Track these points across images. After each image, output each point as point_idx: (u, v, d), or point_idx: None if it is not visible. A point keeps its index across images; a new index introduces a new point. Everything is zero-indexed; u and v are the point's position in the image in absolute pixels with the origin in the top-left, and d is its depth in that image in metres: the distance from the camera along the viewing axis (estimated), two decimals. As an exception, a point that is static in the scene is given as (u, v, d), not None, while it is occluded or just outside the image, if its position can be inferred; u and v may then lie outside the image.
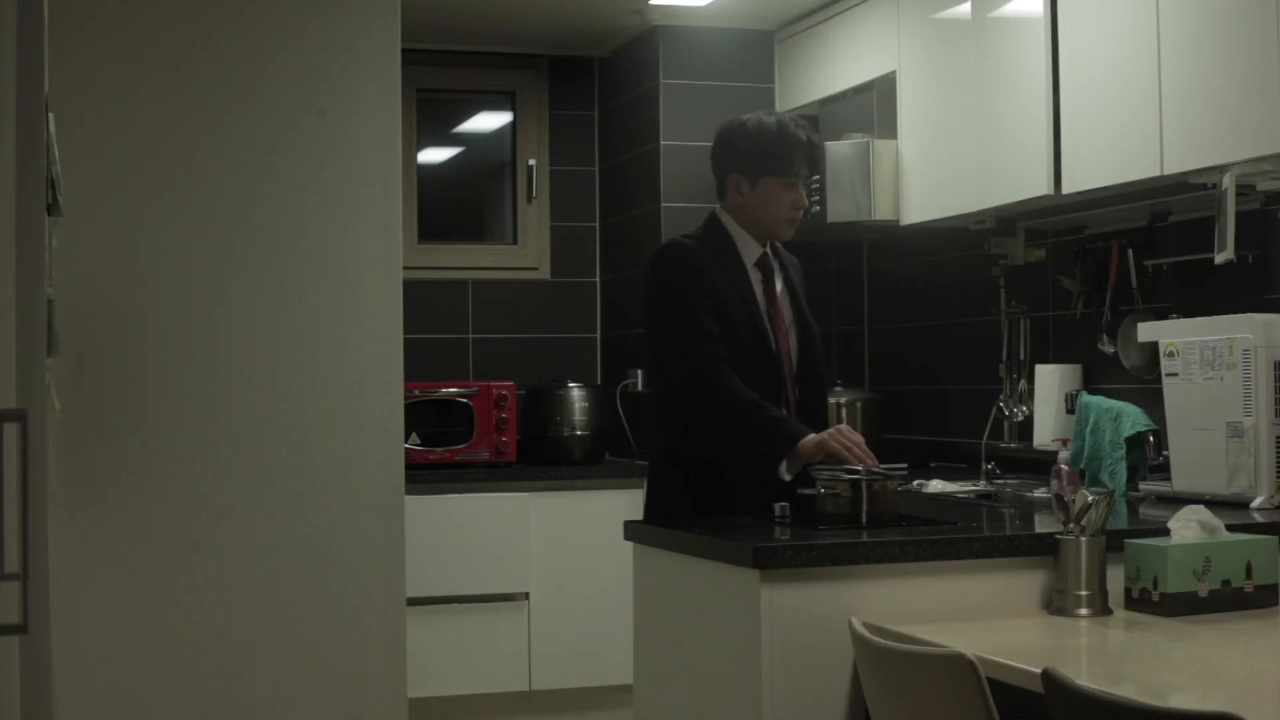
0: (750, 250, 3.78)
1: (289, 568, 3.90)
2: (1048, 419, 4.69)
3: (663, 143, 5.82)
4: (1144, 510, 3.73)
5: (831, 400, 5.44)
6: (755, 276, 3.77)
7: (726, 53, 5.89)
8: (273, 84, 3.97)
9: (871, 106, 5.26)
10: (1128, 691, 2.30)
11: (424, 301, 5.92)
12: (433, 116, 6.38)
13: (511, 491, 5.52)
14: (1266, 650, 2.80)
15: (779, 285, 3.80)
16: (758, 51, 5.91)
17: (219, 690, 3.90)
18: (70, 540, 3.71)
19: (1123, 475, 3.99)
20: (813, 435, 3.54)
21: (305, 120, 3.98)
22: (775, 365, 3.72)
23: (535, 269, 6.28)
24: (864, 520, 3.29)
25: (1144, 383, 4.39)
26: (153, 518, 3.86)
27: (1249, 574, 3.01)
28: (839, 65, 5.47)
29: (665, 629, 3.43)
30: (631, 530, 3.58)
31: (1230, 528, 3.10)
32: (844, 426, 3.60)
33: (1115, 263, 4.52)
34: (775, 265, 3.82)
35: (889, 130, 5.15)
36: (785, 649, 3.00)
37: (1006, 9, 4.51)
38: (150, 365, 3.85)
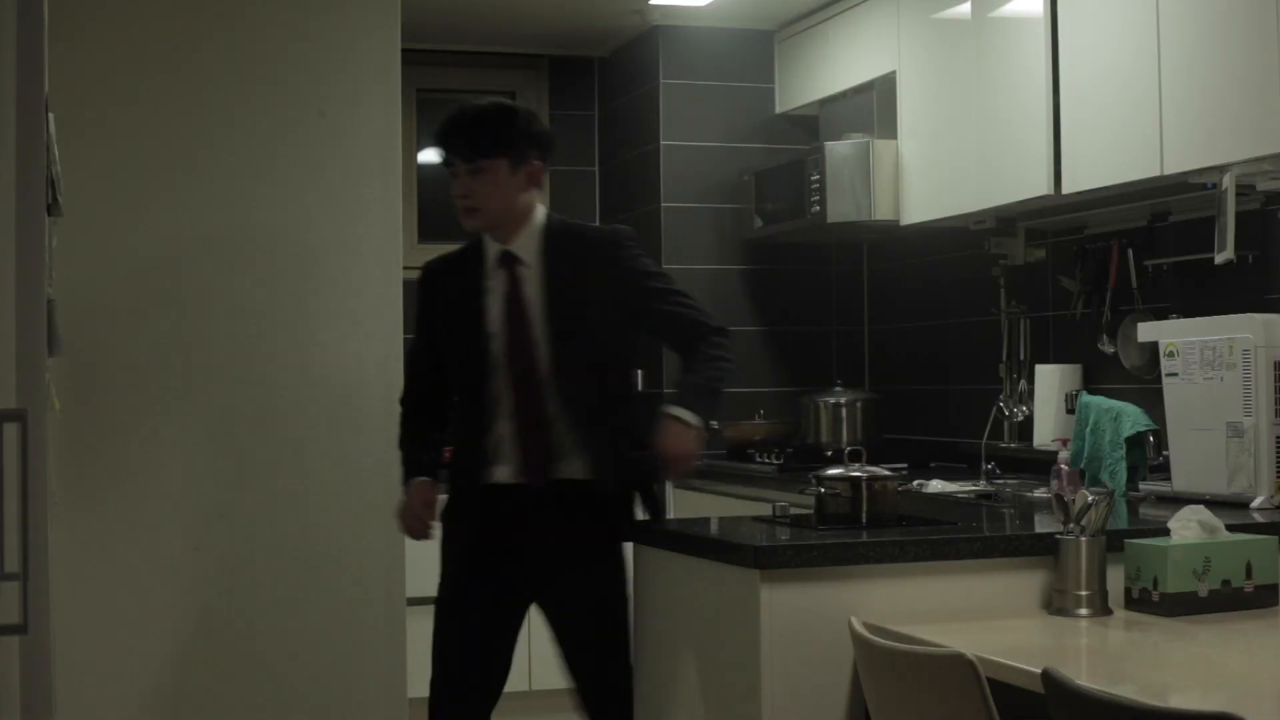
0: (492, 248, 3.49)
1: (289, 568, 3.90)
2: (1048, 419, 4.69)
3: (663, 143, 5.82)
4: (1144, 510, 3.73)
5: (831, 400, 5.44)
6: (499, 276, 3.47)
7: (726, 53, 5.89)
8: (273, 84, 3.97)
9: (871, 106, 5.26)
10: (1128, 691, 2.30)
11: (424, 301, 5.92)
12: (433, 116, 6.37)
13: (511, 491, 5.51)
14: (1266, 650, 2.80)
15: (534, 279, 3.44)
16: (758, 51, 5.91)
17: (219, 690, 3.90)
18: (70, 540, 3.71)
19: (1123, 475, 3.99)
20: (413, 486, 3.52)
21: (305, 120, 3.98)
22: (488, 370, 3.43)
23: (535, 269, 6.28)
24: (864, 520, 3.29)
25: (1144, 383, 4.39)
26: (153, 518, 3.86)
27: (1249, 574, 3.01)
28: (839, 65, 5.47)
29: (665, 629, 3.43)
30: (631, 530, 3.58)
31: (1230, 528, 3.10)
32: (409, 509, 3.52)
33: (1115, 263, 4.52)
34: (533, 258, 3.45)
35: (889, 130, 5.15)
36: (785, 649, 2.99)
37: (1006, 9, 4.51)
38: (150, 365, 3.85)
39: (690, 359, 3.53)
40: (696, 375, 3.51)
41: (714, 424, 3.49)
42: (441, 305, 3.54)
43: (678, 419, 3.40)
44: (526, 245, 3.46)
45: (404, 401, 3.65)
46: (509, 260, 3.46)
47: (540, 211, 3.50)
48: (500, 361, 3.42)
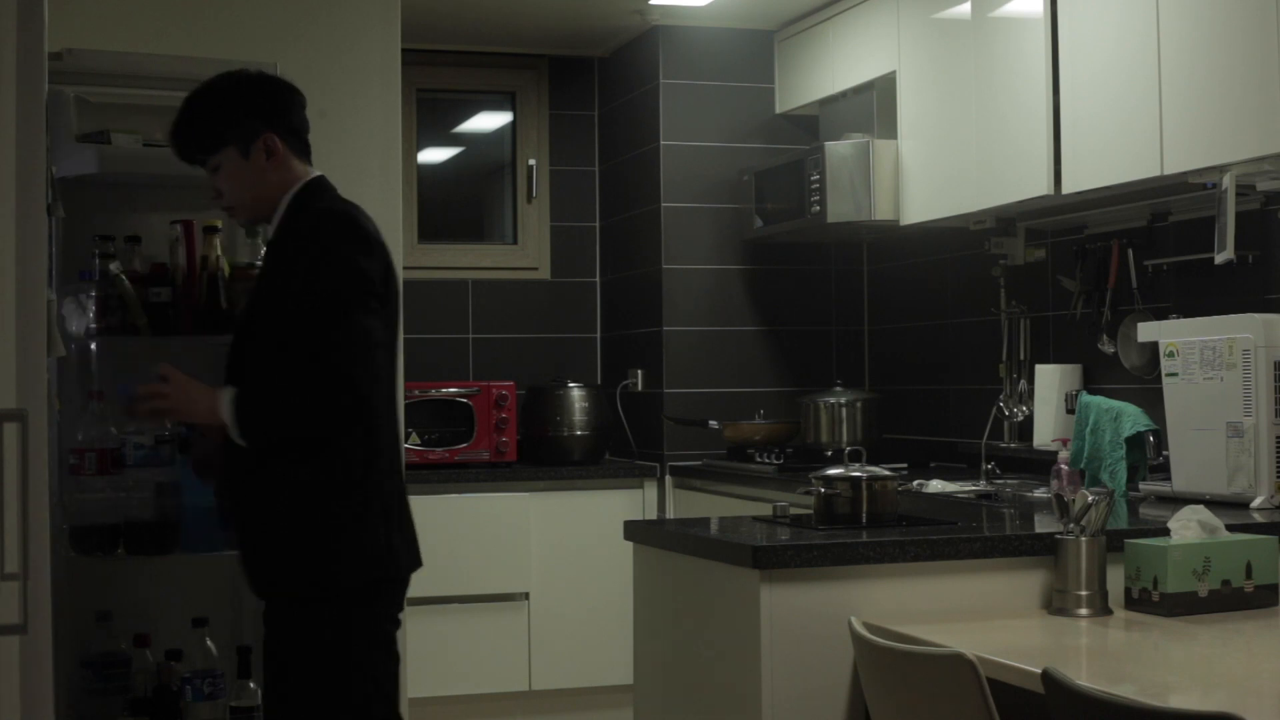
0: None
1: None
2: (1048, 419, 4.69)
3: (663, 143, 5.82)
4: (1144, 510, 3.73)
5: (831, 400, 5.44)
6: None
7: (726, 53, 5.89)
8: (273, 84, 3.95)
9: (871, 106, 5.26)
10: (1128, 691, 2.30)
11: (424, 301, 5.92)
12: (433, 116, 6.38)
13: (511, 491, 5.52)
14: (1266, 650, 2.80)
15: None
16: (758, 51, 5.91)
17: (219, 690, 3.89)
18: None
19: (1123, 475, 3.99)
20: None
21: (305, 120, 3.96)
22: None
23: (535, 269, 6.28)
24: (864, 520, 3.30)
25: (1144, 383, 4.39)
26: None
27: (1249, 574, 3.01)
28: (839, 65, 5.47)
29: (665, 629, 3.43)
30: (631, 530, 3.58)
31: (1230, 528, 3.11)
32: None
33: (1115, 263, 4.52)
34: (268, 248, 3.20)
35: (889, 130, 5.15)
36: (785, 649, 3.00)
37: (1006, 9, 4.51)
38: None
39: (296, 384, 2.95)
40: (273, 396, 2.97)
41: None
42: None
43: (210, 392, 2.98)
44: (274, 224, 3.14)
45: None
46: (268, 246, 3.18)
47: (298, 185, 3.10)
48: None
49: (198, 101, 3.10)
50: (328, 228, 3.02)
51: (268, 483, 3.00)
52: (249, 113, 3.08)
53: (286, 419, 2.97)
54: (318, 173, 3.16)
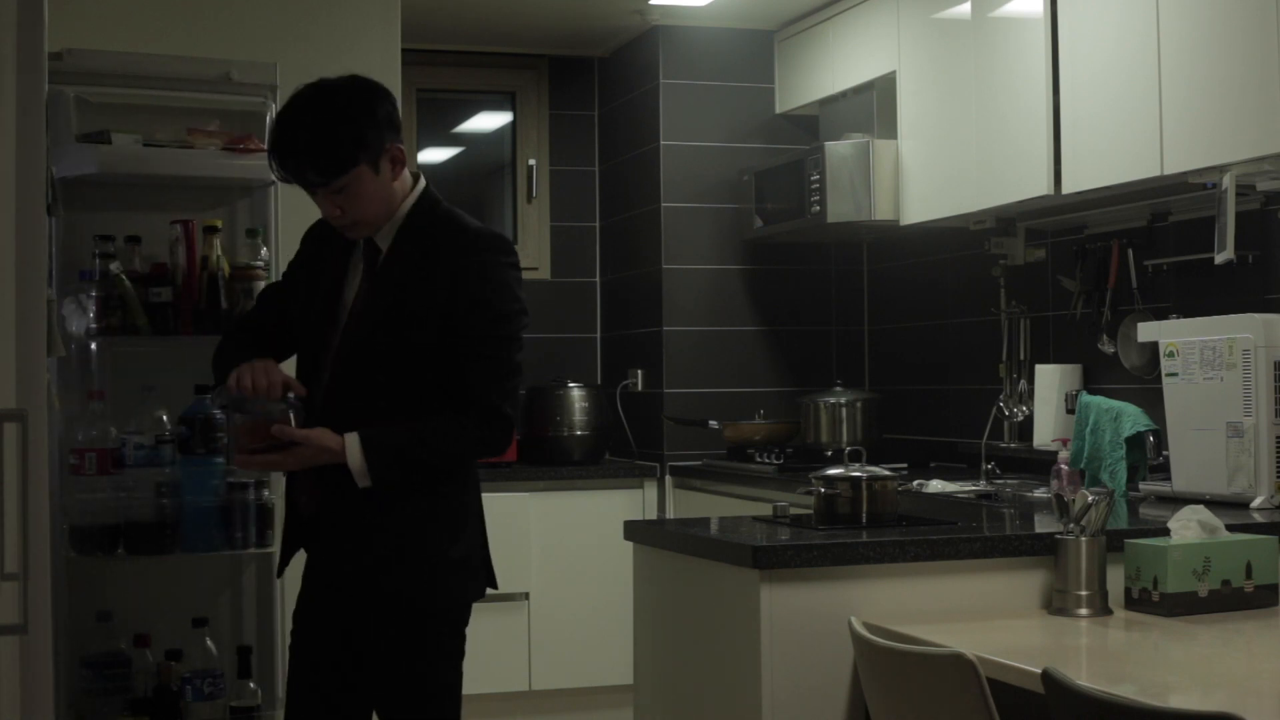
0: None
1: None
2: (1048, 419, 4.69)
3: (662, 143, 5.82)
4: (1144, 510, 3.73)
5: (831, 400, 5.44)
6: (359, 264, 3.05)
7: (726, 53, 5.89)
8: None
9: (871, 106, 5.26)
10: (1128, 691, 2.30)
11: (424, 301, 5.92)
12: (433, 116, 6.38)
13: (511, 491, 5.51)
14: (1266, 650, 2.80)
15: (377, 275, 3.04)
16: (757, 51, 5.91)
17: (219, 690, 3.89)
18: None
19: (1123, 475, 3.99)
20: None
21: (305, 120, 3.96)
22: (318, 350, 3.04)
23: (535, 269, 6.28)
24: (864, 520, 3.30)
25: (1144, 383, 4.39)
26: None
27: (1249, 574, 3.01)
28: (839, 65, 5.47)
29: (665, 629, 3.43)
30: (631, 530, 3.58)
31: (1230, 528, 3.11)
32: (260, 364, 2.97)
33: (1115, 263, 4.52)
34: (388, 245, 3.02)
35: (889, 130, 5.15)
36: (785, 649, 3.00)
37: (1006, 9, 4.51)
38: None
39: (436, 419, 2.96)
40: (413, 438, 2.95)
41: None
42: (306, 275, 3.12)
43: (336, 443, 2.90)
44: (388, 231, 3.02)
45: (227, 331, 3.26)
46: (370, 248, 3.02)
47: (412, 193, 3.03)
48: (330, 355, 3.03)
49: (338, 117, 2.91)
50: (491, 252, 2.99)
51: (422, 500, 3.02)
52: (375, 124, 2.93)
53: (433, 464, 3.00)
54: (415, 169, 3.09)
